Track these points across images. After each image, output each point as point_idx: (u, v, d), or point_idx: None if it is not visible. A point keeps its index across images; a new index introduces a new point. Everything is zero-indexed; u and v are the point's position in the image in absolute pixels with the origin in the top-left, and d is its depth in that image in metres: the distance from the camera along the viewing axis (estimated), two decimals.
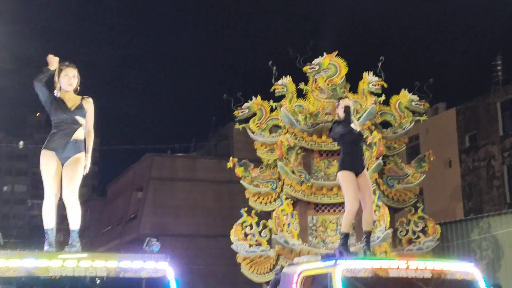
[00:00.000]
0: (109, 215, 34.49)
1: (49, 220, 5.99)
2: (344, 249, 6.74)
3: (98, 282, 5.32)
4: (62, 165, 6.07)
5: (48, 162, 6.03)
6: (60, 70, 6.24)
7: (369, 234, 7.16)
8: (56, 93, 6.23)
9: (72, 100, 6.19)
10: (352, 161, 7.11)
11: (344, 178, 7.07)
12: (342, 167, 7.13)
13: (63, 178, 6.05)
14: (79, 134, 6.18)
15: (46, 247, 5.87)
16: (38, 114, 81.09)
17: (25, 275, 5.11)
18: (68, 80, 6.22)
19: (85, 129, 6.23)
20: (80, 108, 6.17)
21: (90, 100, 6.32)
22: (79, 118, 6.14)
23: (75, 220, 6.07)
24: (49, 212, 6.00)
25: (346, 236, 7.05)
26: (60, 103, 6.16)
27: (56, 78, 6.25)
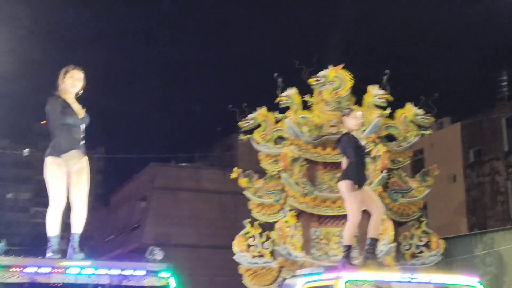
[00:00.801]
0: (112, 224, 34.50)
1: (54, 227, 5.93)
2: (347, 261, 6.73)
3: None
4: (68, 170, 6.05)
5: (56, 168, 5.93)
6: (65, 72, 6.17)
7: (373, 241, 7.11)
8: (58, 94, 6.12)
9: (76, 107, 6.16)
10: (358, 173, 7.11)
11: (348, 188, 7.04)
12: (346, 177, 7.10)
13: (72, 183, 6.00)
14: (82, 140, 6.21)
15: (49, 254, 5.82)
16: (43, 122, 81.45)
17: (28, 281, 5.12)
18: (73, 82, 6.14)
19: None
20: (86, 118, 6.20)
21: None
22: (82, 127, 6.17)
23: (80, 224, 6.08)
24: (56, 219, 5.93)
25: (349, 249, 7.03)
26: (68, 107, 6.06)
27: (60, 79, 6.14)
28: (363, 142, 7.37)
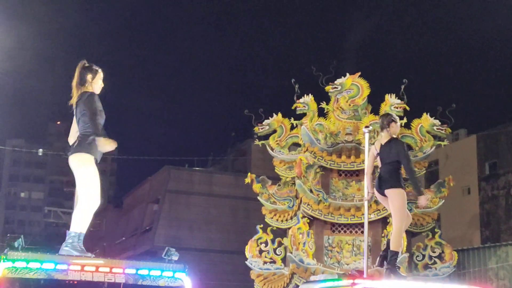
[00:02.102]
0: (124, 226, 34.57)
1: (85, 225, 5.78)
2: (393, 269, 6.76)
3: None
4: None
5: (94, 167, 5.84)
6: (96, 71, 6.14)
7: (395, 253, 7.11)
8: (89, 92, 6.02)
9: None
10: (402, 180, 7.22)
11: (400, 196, 7.12)
12: (399, 185, 7.16)
13: None
14: None
15: (69, 250, 5.67)
16: (58, 123, 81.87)
17: (45, 277, 5.14)
18: (101, 84, 6.22)
19: None
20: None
21: None
22: None
23: (87, 225, 6.05)
24: (90, 216, 5.80)
25: (395, 255, 7.06)
26: (101, 107, 6.01)
27: (89, 76, 6.07)
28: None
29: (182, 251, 5.77)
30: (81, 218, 5.78)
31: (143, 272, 5.40)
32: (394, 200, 7.18)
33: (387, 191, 7.22)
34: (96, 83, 6.15)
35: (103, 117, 6.00)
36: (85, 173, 5.80)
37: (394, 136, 7.40)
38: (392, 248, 7.13)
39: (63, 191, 73.57)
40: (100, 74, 6.20)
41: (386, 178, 7.20)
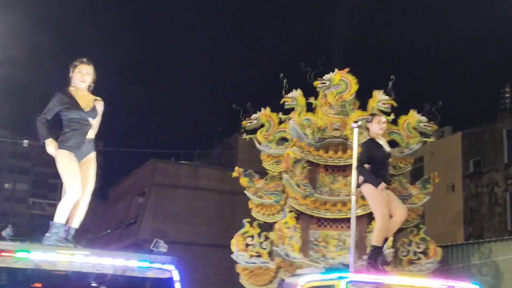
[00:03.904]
0: (109, 219, 34.49)
1: (64, 215, 5.95)
2: (373, 263, 6.80)
3: (102, 279, 5.33)
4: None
5: (71, 160, 5.97)
6: (74, 66, 6.21)
7: (377, 248, 7.17)
8: (69, 89, 6.19)
9: (85, 100, 6.16)
10: (378, 177, 7.11)
11: (369, 192, 7.10)
12: (366, 181, 7.13)
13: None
14: (90, 134, 6.22)
15: (51, 241, 5.78)
16: None
17: (32, 267, 5.13)
18: (81, 77, 6.19)
19: (93, 131, 6.24)
20: (93, 110, 6.17)
21: (102, 102, 6.31)
22: (91, 120, 6.16)
23: (80, 219, 6.12)
24: (69, 208, 5.95)
25: (376, 249, 7.10)
26: (73, 101, 6.10)
27: (70, 73, 6.22)
28: (386, 146, 7.35)
29: (167, 244, 5.79)
30: (64, 208, 5.95)
31: (132, 263, 5.40)
32: (366, 197, 7.27)
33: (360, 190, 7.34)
34: (75, 78, 6.18)
35: (67, 112, 6.12)
36: (62, 167, 6.01)
37: (369, 137, 7.41)
38: (372, 242, 7.22)
39: (48, 182, 73.16)
40: (79, 67, 6.19)
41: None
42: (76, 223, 6.11)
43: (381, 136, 7.39)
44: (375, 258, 7.03)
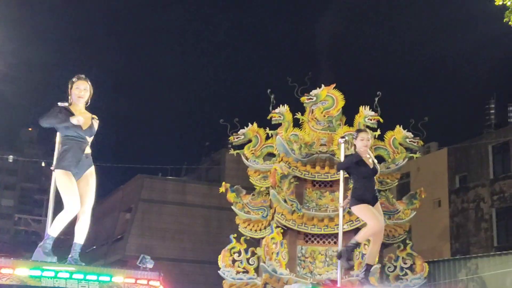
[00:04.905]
0: (95, 235, 34.18)
1: (58, 229, 5.98)
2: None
3: None
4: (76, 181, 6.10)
5: (68, 179, 6.01)
6: (72, 83, 6.28)
7: (370, 267, 7.18)
8: (67, 104, 6.21)
9: (83, 117, 6.20)
10: (364, 195, 7.08)
11: (361, 210, 7.09)
12: (356, 202, 7.10)
13: (80, 193, 6.06)
14: (87, 150, 6.25)
15: (43, 255, 5.78)
16: (30, 129, 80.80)
17: (18, 283, 5.09)
18: (78, 93, 6.25)
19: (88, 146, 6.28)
20: (90, 128, 6.22)
21: (97, 121, 6.37)
22: (87, 138, 6.22)
23: (84, 235, 6.15)
24: (64, 223, 5.99)
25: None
26: (68, 119, 6.11)
27: (69, 90, 6.29)
28: (372, 162, 7.32)
29: (154, 261, 5.77)
30: (59, 222, 6.00)
31: (118, 279, 5.37)
32: (360, 216, 7.26)
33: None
34: (73, 94, 6.23)
35: (64, 129, 6.16)
36: (60, 186, 6.07)
37: (354, 153, 7.42)
38: (367, 261, 7.24)
39: (34, 198, 72.56)
40: (76, 84, 6.25)
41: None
42: (81, 239, 6.18)
43: (370, 152, 7.37)
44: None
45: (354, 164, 7.16)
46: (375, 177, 7.47)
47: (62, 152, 6.12)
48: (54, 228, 5.98)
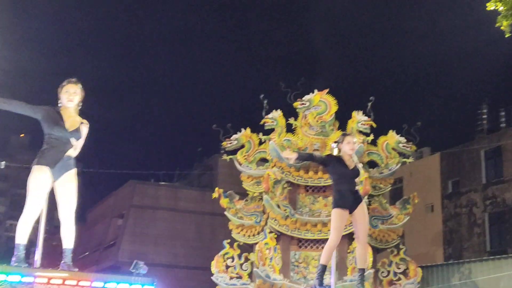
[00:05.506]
0: (87, 241, 34.05)
1: (23, 235, 5.86)
2: (320, 281, 6.75)
3: None
4: (54, 182, 6.01)
5: (40, 177, 5.90)
6: (62, 87, 6.24)
7: (363, 271, 7.12)
8: (58, 107, 6.19)
9: (71, 120, 6.14)
10: (344, 198, 7.02)
11: (334, 215, 7.03)
12: (335, 204, 7.05)
13: (59, 196, 5.97)
14: (70, 152, 6.17)
15: (14, 263, 5.69)
16: (22, 135, 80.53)
17: None
18: (68, 96, 6.20)
19: (74, 151, 6.20)
20: (76, 131, 6.15)
21: (87, 125, 6.31)
22: (72, 140, 6.13)
23: (72, 239, 6.06)
24: (26, 227, 5.87)
25: (323, 268, 7.03)
26: (58, 119, 6.09)
27: (59, 94, 6.24)
28: (354, 165, 7.27)
29: (146, 267, 5.73)
30: (22, 227, 5.91)
31: (111, 285, 5.34)
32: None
33: None
34: (63, 98, 6.19)
35: (50, 129, 6.12)
36: (29, 183, 5.95)
37: (338, 155, 7.37)
38: (360, 266, 7.17)
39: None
40: (66, 87, 6.20)
41: None
42: (69, 244, 6.09)
43: (355, 156, 7.32)
44: (322, 277, 6.96)
45: (334, 161, 7.13)
46: (353, 180, 7.37)
47: (43, 150, 6.05)
48: (20, 235, 5.85)
